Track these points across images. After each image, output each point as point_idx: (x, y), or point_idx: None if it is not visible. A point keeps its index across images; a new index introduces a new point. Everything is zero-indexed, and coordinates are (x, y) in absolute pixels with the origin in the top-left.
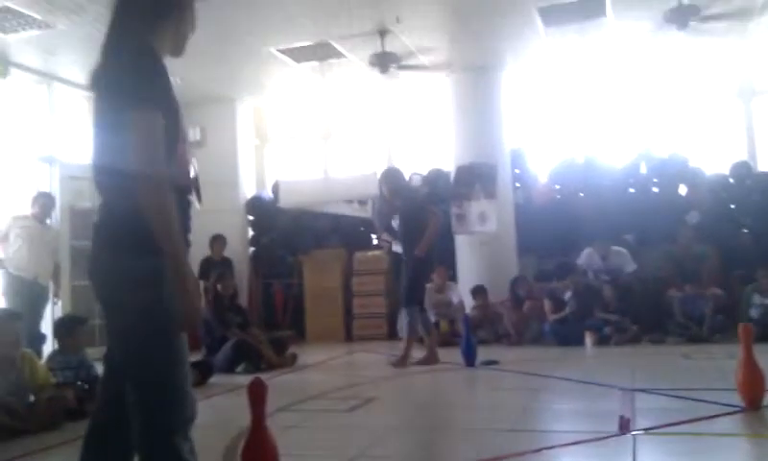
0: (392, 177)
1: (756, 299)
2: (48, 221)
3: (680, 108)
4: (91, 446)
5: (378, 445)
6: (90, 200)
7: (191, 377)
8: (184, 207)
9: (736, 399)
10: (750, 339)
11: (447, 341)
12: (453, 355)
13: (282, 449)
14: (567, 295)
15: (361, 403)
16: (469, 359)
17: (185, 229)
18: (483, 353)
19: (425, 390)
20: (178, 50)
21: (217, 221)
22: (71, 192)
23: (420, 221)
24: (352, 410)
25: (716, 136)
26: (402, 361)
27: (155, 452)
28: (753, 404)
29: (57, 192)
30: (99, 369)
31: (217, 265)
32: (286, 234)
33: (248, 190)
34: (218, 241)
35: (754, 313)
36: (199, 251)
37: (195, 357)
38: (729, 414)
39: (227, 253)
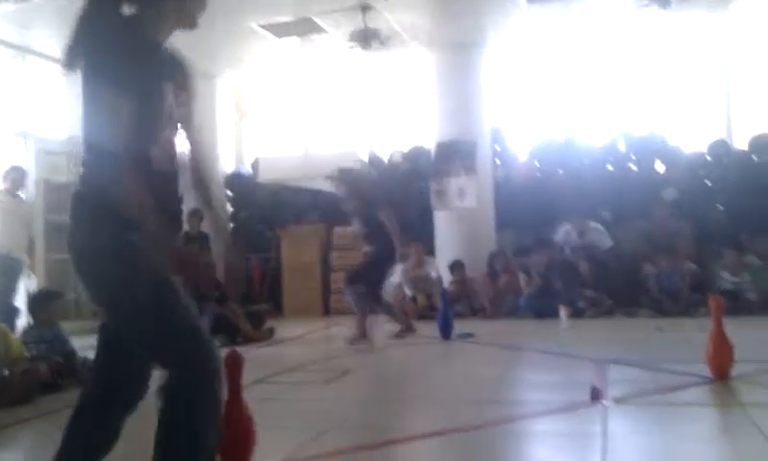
0: (348, 180)
1: (726, 275)
2: (21, 195)
3: (660, 85)
4: (80, 419)
5: (354, 416)
6: (66, 174)
7: (204, 332)
8: (168, 192)
9: (705, 370)
10: (720, 312)
11: (424, 315)
12: (430, 329)
13: (259, 420)
14: (539, 270)
15: (337, 376)
16: (446, 332)
17: (169, 210)
18: (459, 327)
19: (401, 363)
20: (187, 23)
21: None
22: (46, 166)
23: (377, 220)
24: (329, 383)
25: (695, 114)
26: (359, 338)
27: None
28: (721, 376)
29: (32, 166)
30: (75, 343)
31: (195, 240)
32: (265, 210)
33: (227, 166)
34: (195, 216)
35: (723, 288)
36: None
37: None
38: (697, 385)
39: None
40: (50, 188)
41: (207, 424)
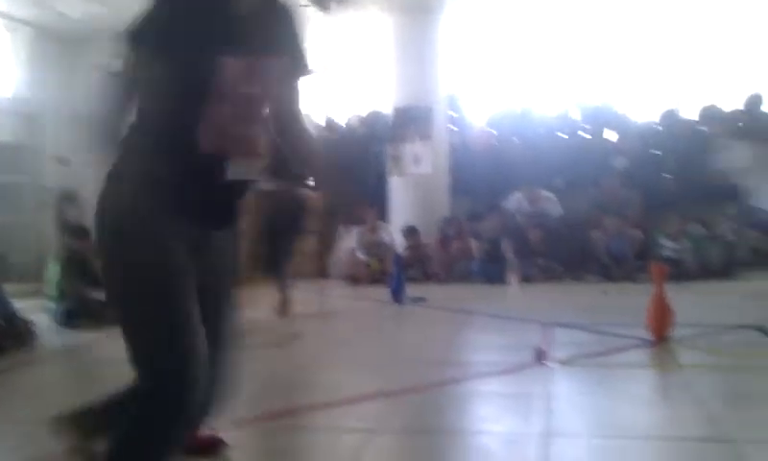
0: None
1: (667, 242)
2: None
3: (613, 55)
4: None
5: (307, 377)
6: (10, 134)
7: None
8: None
9: (646, 333)
10: (662, 278)
11: (377, 279)
12: (382, 293)
13: None
14: (490, 236)
15: (290, 338)
16: (398, 296)
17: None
18: (412, 291)
19: (353, 326)
20: None
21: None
22: None
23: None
24: (282, 344)
25: (647, 84)
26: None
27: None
28: (660, 339)
29: None
30: (16, 306)
31: None
32: None
33: None
34: None
35: (665, 254)
36: None
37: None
38: (638, 347)
39: None
40: None
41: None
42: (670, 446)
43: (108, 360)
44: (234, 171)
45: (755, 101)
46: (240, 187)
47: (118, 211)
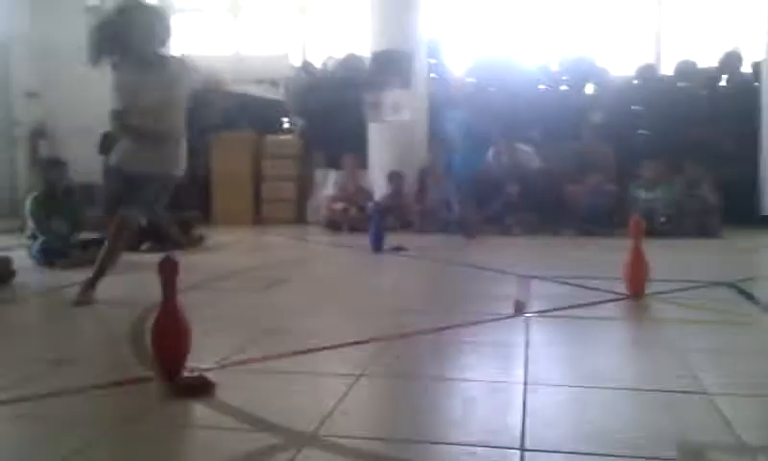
0: None
1: (641, 194)
2: None
3: (594, 7)
4: None
5: (288, 322)
6: None
7: None
8: None
9: (622, 287)
10: (639, 232)
11: (356, 226)
12: (362, 241)
13: (194, 326)
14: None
15: (271, 284)
16: (377, 245)
17: None
18: (391, 240)
19: (333, 273)
20: None
21: None
22: None
23: None
24: (263, 290)
25: (627, 38)
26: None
27: None
28: (636, 293)
29: None
30: None
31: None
32: (191, 113)
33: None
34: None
35: (637, 208)
36: (98, 124)
37: (92, 236)
38: (614, 300)
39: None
40: None
41: None
42: (647, 396)
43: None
44: None
45: (731, 59)
46: None
47: None
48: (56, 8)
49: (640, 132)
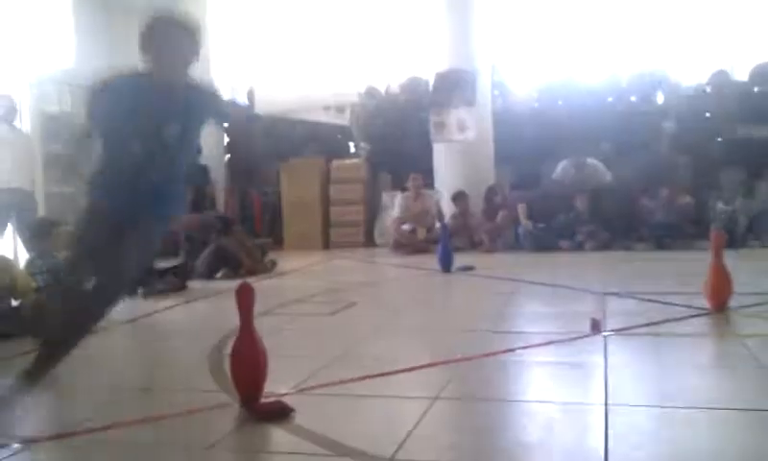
0: None
1: (721, 206)
2: (17, 125)
3: (662, 17)
4: None
5: (362, 345)
6: (58, 104)
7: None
8: None
9: (702, 302)
10: (720, 245)
11: (424, 249)
12: (430, 262)
13: (270, 351)
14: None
15: (342, 307)
16: (446, 265)
17: None
18: (459, 260)
19: (404, 295)
20: None
21: None
22: (39, 96)
23: None
24: (334, 313)
25: (697, 46)
26: None
27: None
28: (719, 308)
29: (26, 96)
30: None
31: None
32: (263, 142)
33: (222, 95)
34: None
35: (719, 222)
36: None
37: (174, 262)
38: (695, 316)
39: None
40: (45, 119)
41: None
42: (733, 415)
43: (167, 329)
44: None
45: None
46: None
47: None
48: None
49: (718, 140)
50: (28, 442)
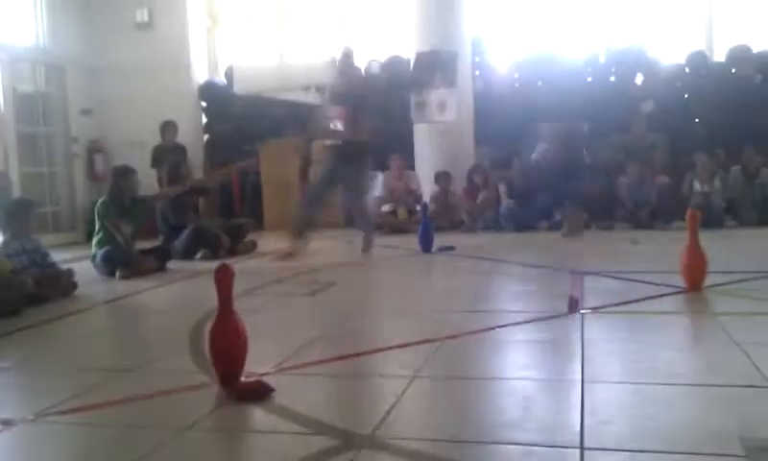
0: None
1: (696, 186)
2: None
3: None
4: None
5: (341, 325)
6: (32, 83)
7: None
8: None
9: (679, 281)
10: (696, 224)
11: (405, 228)
12: (411, 242)
13: (250, 331)
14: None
15: (322, 288)
16: (426, 245)
17: None
18: (440, 240)
19: (384, 275)
20: None
21: (167, 106)
22: (11, 75)
23: None
24: (314, 294)
25: (676, 26)
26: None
27: None
28: (694, 286)
29: None
30: (55, 257)
31: (170, 151)
32: (241, 122)
33: (200, 75)
34: (169, 127)
35: (694, 201)
36: (150, 138)
37: (152, 244)
38: (672, 294)
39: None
40: (18, 98)
41: None
42: (709, 392)
43: (146, 310)
44: None
45: None
46: None
47: None
48: (107, 27)
49: (695, 121)
50: (5, 423)
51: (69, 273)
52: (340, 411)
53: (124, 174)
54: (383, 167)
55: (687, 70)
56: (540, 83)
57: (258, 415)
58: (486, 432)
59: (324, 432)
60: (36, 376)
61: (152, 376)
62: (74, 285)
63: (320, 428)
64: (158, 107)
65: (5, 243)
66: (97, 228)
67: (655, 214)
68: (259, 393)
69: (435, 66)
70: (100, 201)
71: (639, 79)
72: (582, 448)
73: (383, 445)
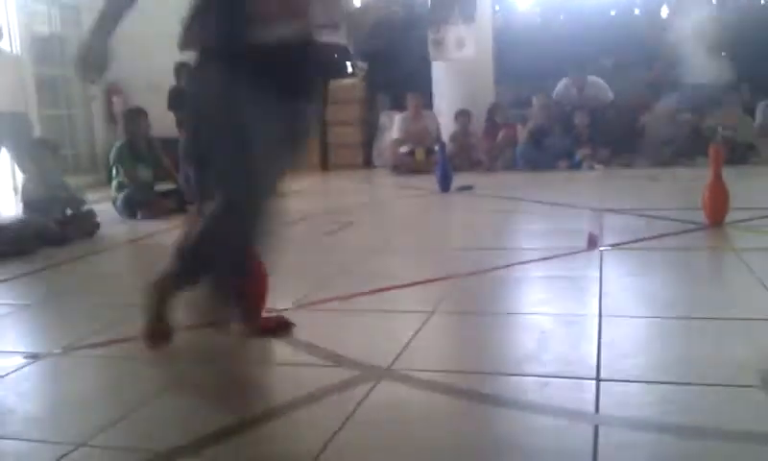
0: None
1: (720, 130)
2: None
3: None
4: None
5: (359, 263)
6: (49, 24)
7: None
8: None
9: (700, 217)
10: (719, 160)
11: (423, 169)
12: (429, 182)
13: (270, 269)
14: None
15: (340, 227)
16: (445, 185)
17: None
18: (458, 180)
19: (403, 215)
20: None
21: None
22: (27, 15)
23: None
24: (332, 233)
25: None
26: None
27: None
28: (716, 222)
29: (12, 15)
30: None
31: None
32: None
33: None
34: (184, 69)
35: (719, 137)
36: (169, 80)
37: (170, 186)
38: (692, 231)
39: None
40: (35, 40)
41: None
42: (726, 325)
43: (166, 250)
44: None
45: None
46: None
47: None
48: None
49: (722, 54)
50: (32, 356)
51: (91, 213)
52: (358, 345)
53: (132, 117)
54: (401, 108)
55: (714, 2)
56: (562, 16)
57: (279, 349)
58: (503, 365)
59: (343, 364)
60: (59, 313)
61: (175, 312)
62: (96, 226)
63: (339, 361)
64: (173, 47)
65: (25, 185)
66: (114, 172)
67: (678, 152)
68: (280, 327)
69: (453, 1)
70: (115, 146)
71: (665, 12)
72: (598, 379)
73: (401, 376)
